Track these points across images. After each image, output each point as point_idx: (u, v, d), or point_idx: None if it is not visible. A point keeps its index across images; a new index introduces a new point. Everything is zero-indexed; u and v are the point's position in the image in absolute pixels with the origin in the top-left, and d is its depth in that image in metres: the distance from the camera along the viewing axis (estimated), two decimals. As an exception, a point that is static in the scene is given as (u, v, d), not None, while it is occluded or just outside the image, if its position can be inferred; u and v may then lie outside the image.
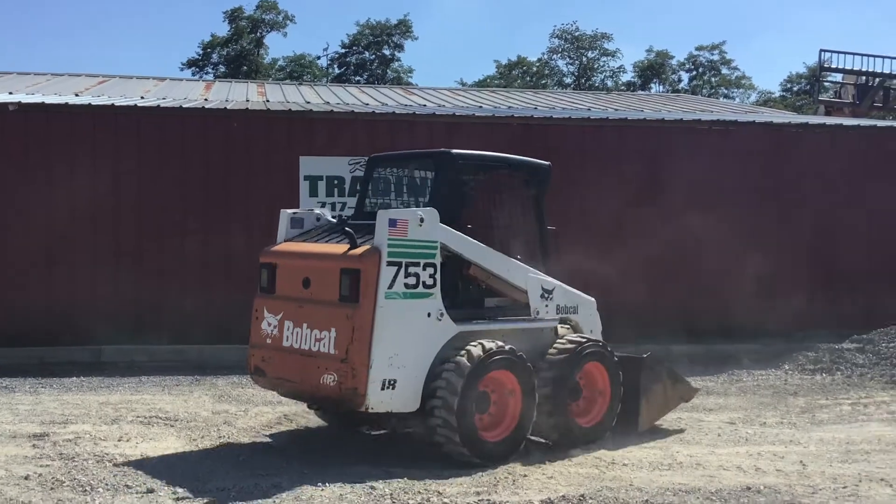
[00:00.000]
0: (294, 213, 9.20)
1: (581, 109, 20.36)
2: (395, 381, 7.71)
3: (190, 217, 14.57)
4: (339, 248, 8.11)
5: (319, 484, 7.11)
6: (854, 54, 28.95)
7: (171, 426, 9.46)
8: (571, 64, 64.94)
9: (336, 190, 14.91)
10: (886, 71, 28.47)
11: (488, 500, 6.84)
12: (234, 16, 60.11)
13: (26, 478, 7.22)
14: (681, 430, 9.64)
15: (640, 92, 51.57)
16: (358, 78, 59.84)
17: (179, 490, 6.97)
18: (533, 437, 8.67)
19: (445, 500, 6.81)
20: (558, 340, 8.83)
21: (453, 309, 8.20)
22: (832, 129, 17.69)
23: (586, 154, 15.50)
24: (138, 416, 9.87)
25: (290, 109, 15.92)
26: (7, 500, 6.65)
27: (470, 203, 8.91)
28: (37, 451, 8.19)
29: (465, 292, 8.69)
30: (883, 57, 28.62)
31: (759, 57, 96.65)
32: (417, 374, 7.86)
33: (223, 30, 61.09)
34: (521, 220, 9.23)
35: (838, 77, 31.18)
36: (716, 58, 65.21)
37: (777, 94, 63.77)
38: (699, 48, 65.32)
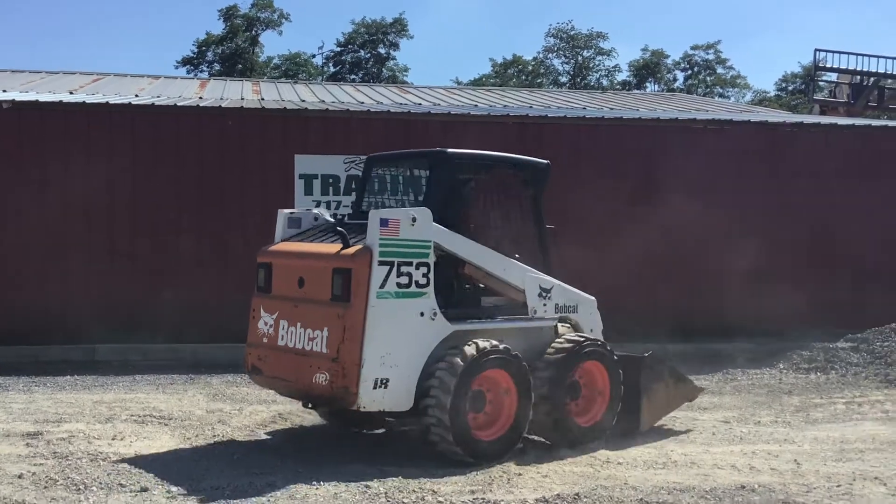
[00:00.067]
0: (291, 212, 9.21)
1: (576, 108, 20.36)
2: (387, 380, 7.71)
3: (184, 215, 14.55)
4: (332, 247, 8.14)
5: (314, 483, 7.10)
6: (849, 54, 29.02)
7: (166, 425, 9.45)
8: (567, 63, 65.02)
9: (331, 188, 14.89)
10: (881, 70, 28.52)
11: (483, 498, 6.84)
12: (229, 14, 60.02)
13: (20, 476, 7.20)
14: (676, 430, 9.64)
15: (635, 91, 51.60)
16: (353, 76, 59.79)
17: (173, 489, 6.96)
18: (533, 437, 8.68)
19: (440, 498, 6.81)
20: (557, 340, 8.81)
21: (448, 308, 8.20)
22: (827, 128, 17.73)
23: (581, 153, 15.51)
24: (132, 415, 9.85)
25: (285, 108, 15.91)
26: (0, 498, 6.64)
27: (466, 202, 8.90)
28: (30, 449, 8.17)
29: (461, 291, 8.68)
30: (878, 56, 28.69)
31: (754, 56, 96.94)
32: (410, 373, 7.86)
33: (218, 28, 61.05)
34: (519, 219, 9.21)
35: (833, 77, 31.26)
36: (711, 57, 65.34)
37: (772, 94, 63.91)
38: (694, 47, 65.51)
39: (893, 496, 7.06)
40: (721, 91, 64.10)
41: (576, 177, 14.95)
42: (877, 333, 14.60)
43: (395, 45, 62.90)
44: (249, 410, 10.30)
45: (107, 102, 15.20)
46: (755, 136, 16.67)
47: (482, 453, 7.90)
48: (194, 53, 60.30)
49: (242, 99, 18.73)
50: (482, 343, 8.00)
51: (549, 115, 16.64)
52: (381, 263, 7.75)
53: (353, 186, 14.77)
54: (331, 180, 14.90)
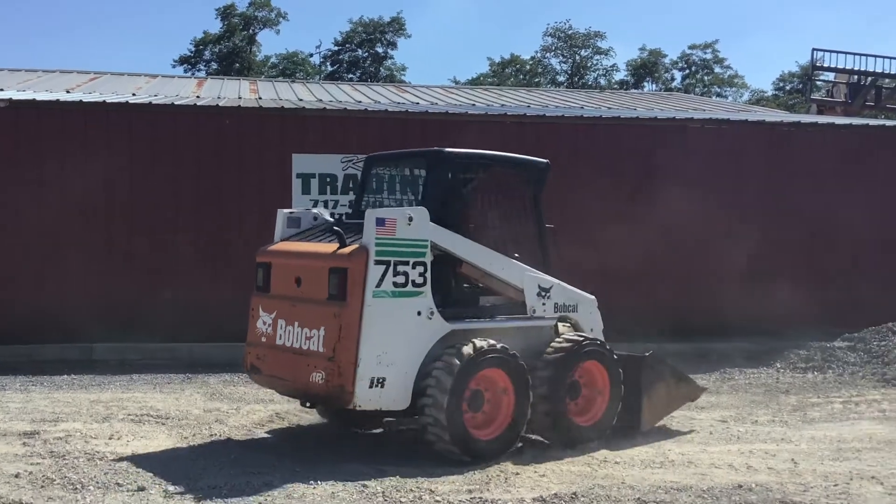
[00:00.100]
0: (291, 212, 9.21)
1: (574, 108, 20.37)
2: (383, 379, 7.72)
3: (181, 215, 14.54)
4: (329, 247, 8.15)
5: (311, 482, 7.09)
6: (846, 53, 29.08)
7: (163, 424, 9.43)
8: (565, 62, 65.07)
9: (329, 188, 14.88)
10: (878, 70, 28.57)
11: (480, 497, 6.83)
12: (226, 13, 59.98)
13: (17, 476, 7.19)
14: (673, 429, 9.64)
15: (633, 90, 51.61)
16: (351, 76, 59.76)
17: (171, 488, 6.95)
18: (533, 436, 8.67)
19: (437, 498, 6.81)
20: (556, 339, 8.80)
21: (446, 307, 8.20)
22: (824, 128, 17.74)
23: (579, 152, 15.50)
24: (129, 414, 9.84)
25: (282, 107, 15.89)
26: (-3, 498, 6.63)
27: (464, 202, 8.91)
28: (27, 449, 8.16)
29: (458, 291, 8.68)
30: (875, 56, 28.75)
31: (751, 56, 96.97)
32: (407, 372, 7.87)
33: (215, 27, 61.09)
34: (518, 218, 9.20)
35: (831, 76, 31.32)
36: (709, 56, 65.44)
37: (770, 93, 64.00)
38: (692, 47, 65.62)
39: (890, 495, 7.06)
40: (719, 91, 64.20)
41: (573, 176, 14.94)
42: (874, 333, 14.63)
43: (393, 45, 63.00)
44: (247, 410, 10.30)
45: (104, 101, 15.18)
46: (753, 136, 16.68)
47: (479, 452, 7.89)
48: (191, 52, 60.34)
49: (240, 98, 18.72)
50: (479, 342, 8.00)
51: (547, 115, 16.63)
52: (378, 263, 7.75)
53: (351, 186, 14.78)
54: (328, 179, 14.89)
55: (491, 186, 9.19)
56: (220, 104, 15.85)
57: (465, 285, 8.76)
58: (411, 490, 6.97)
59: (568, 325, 9.23)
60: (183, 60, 59.97)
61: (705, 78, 65.42)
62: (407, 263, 7.89)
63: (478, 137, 13.92)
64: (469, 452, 7.84)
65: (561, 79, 63.88)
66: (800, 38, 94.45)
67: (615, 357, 8.99)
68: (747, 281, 15.41)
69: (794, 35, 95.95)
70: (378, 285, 7.74)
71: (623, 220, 15.05)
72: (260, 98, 19.22)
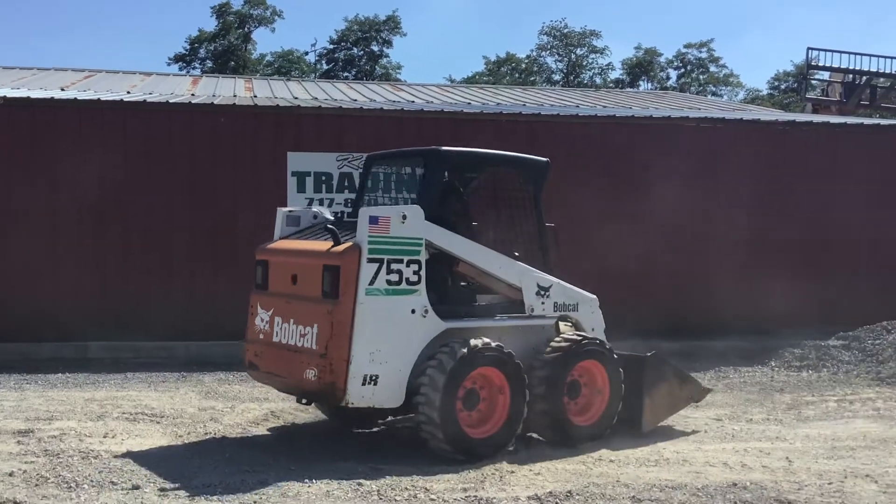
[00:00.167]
0: (290, 210, 9.23)
1: (570, 106, 20.38)
2: (376, 376, 7.73)
3: (176, 213, 14.51)
4: (324, 245, 8.17)
5: (306, 480, 7.09)
6: (841, 52, 29.15)
7: (157, 423, 9.42)
8: (560, 61, 65.05)
9: (324, 186, 14.87)
10: (873, 69, 28.64)
11: (475, 496, 6.83)
12: (221, 11, 59.86)
13: (11, 474, 7.17)
14: (668, 427, 9.63)
15: (628, 89, 51.60)
16: (346, 74, 59.71)
17: (165, 486, 6.93)
18: (534, 436, 8.66)
19: (433, 496, 6.81)
20: (555, 339, 8.77)
21: (442, 306, 8.20)
22: (819, 127, 17.77)
23: (574, 151, 15.50)
24: (124, 413, 9.82)
25: (277, 105, 15.87)
26: (-9, 496, 6.62)
27: (461, 200, 8.91)
28: (21, 447, 8.14)
29: (455, 289, 8.68)
30: (870, 55, 28.82)
31: (747, 55, 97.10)
32: (401, 370, 7.87)
33: (210, 25, 60.90)
34: (517, 217, 9.19)
35: (826, 75, 31.35)
36: (704, 55, 65.46)
37: (765, 92, 64.09)
38: (687, 46, 65.63)
39: (884, 493, 7.08)
40: (714, 89, 64.22)
41: (568, 175, 14.94)
42: (868, 331, 14.65)
43: (389, 43, 62.91)
44: (242, 408, 10.29)
45: (98, 99, 15.15)
46: (748, 135, 16.70)
47: (474, 451, 7.89)
48: (186, 50, 60.18)
49: (235, 96, 18.70)
50: (473, 341, 7.99)
51: (543, 114, 16.64)
52: (371, 261, 7.76)
53: (347, 184, 14.80)
54: (323, 178, 14.88)
55: (489, 185, 9.19)
56: (215, 102, 15.82)
57: (462, 284, 8.75)
58: (406, 488, 6.97)
59: (570, 324, 9.21)
60: (178, 58, 59.89)
61: (701, 77, 65.46)
62: (401, 261, 7.90)
63: (473, 136, 13.95)
64: (463, 451, 7.84)
65: (556, 77, 63.93)
66: (795, 37, 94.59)
67: (615, 357, 8.96)
68: (742, 279, 15.43)
69: (790, 34, 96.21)
70: (371, 283, 7.75)
71: (618, 219, 15.07)
72: (255, 96, 19.19)
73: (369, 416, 8.86)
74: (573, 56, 64.41)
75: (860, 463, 8.07)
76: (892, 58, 28.90)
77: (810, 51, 29.74)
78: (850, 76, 28.87)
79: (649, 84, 63.70)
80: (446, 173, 8.78)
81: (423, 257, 8.03)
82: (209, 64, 58.58)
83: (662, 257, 15.43)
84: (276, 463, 7.70)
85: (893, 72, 28.81)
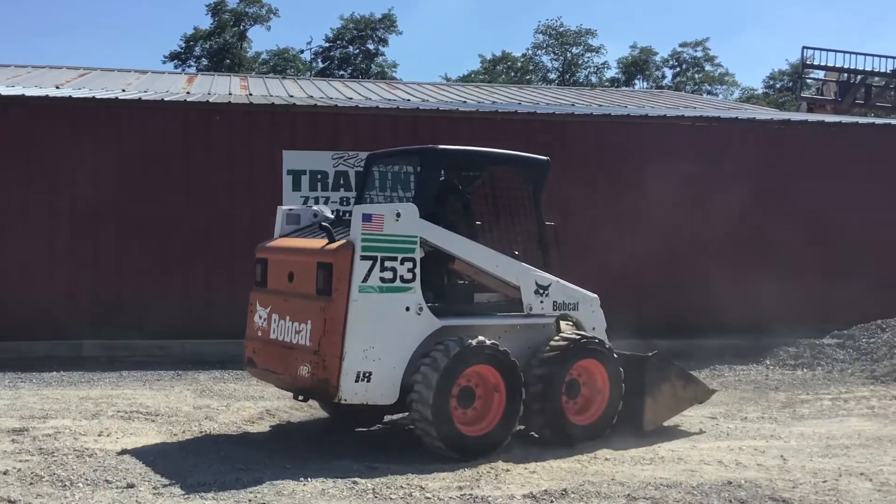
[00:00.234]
0: (290, 209, 9.24)
1: (565, 105, 20.38)
2: (370, 373, 7.74)
3: (171, 211, 14.48)
4: (320, 242, 8.20)
5: (301, 478, 7.08)
6: (836, 52, 29.22)
7: (152, 421, 9.41)
8: (556, 60, 65.06)
9: (319, 184, 14.86)
10: (868, 68, 28.71)
11: (470, 494, 6.83)
12: (217, 9, 59.75)
13: (5, 473, 7.15)
14: (663, 426, 9.63)
15: (623, 88, 51.66)
16: (342, 72, 59.64)
17: (160, 485, 6.92)
18: (535, 435, 8.66)
19: (428, 494, 6.80)
20: (554, 338, 8.75)
21: (438, 304, 8.21)
22: (814, 125, 17.79)
23: (569, 149, 15.51)
24: (119, 411, 9.81)
25: (273, 103, 15.85)
26: (-15, 495, 6.60)
27: (458, 198, 8.91)
28: (16, 445, 8.12)
29: (451, 287, 8.67)
30: (865, 54, 28.90)
31: (742, 54, 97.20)
32: (395, 367, 7.88)
33: (206, 23, 60.78)
34: (516, 215, 9.18)
35: (821, 74, 31.43)
36: (699, 54, 65.55)
37: (760, 92, 64.16)
38: (683, 45, 65.71)
39: (879, 491, 7.09)
40: (709, 89, 64.29)
41: (564, 173, 14.93)
42: (863, 330, 14.69)
43: (384, 41, 62.85)
44: (237, 406, 10.28)
45: (93, 97, 15.10)
46: (743, 134, 16.72)
47: (468, 449, 7.88)
48: (182, 48, 60.06)
49: (230, 94, 18.67)
50: (468, 339, 7.99)
51: (538, 112, 16.63)
52: (364, 258, 7.78)
53: (342, 182, 14.80)
54: (319, 176, 14.87)
55: (488, 184, 9.18)
56: (211, 100, 15.80)
57: (459, 282, 8.75)
58: (401, 487, 6.96)
59: (570, 323, 9.18)
60: (173, 56, 59.77)
61: (696, 76, 65.53)
62: (395, 259, 7.91)
63: (469, 134, 13.94)
64: (457, 448, 7.83)
65: (552, 76, 63.91)
66: (790, 36, 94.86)
67: (615, 356, 8.93)
68: (737, 278, 15.44)
69: (785, 33, 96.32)
70: (364, 280, 7.76)
71: (613, 218, 15.08)
72: (250, 94, 19.16)
73: (369, 413, 8.85)
74: (569, 55, 64.44)
75: (855, 461, 8.09)
76: (886, 57, 29.03)
77: (805, 50, 29.82)
78: (845, 75, 28.94)
79: (645, 83, 63.77)
80: (443, 172, 8.79)
81: (417, 255, 8.03)
82: (204, 62, 58.48)
83: (657, 255, 15.42)
84: (271, 461, 7.70)
85: (888, 71, 28.89)
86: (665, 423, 9.69)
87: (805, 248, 16.21)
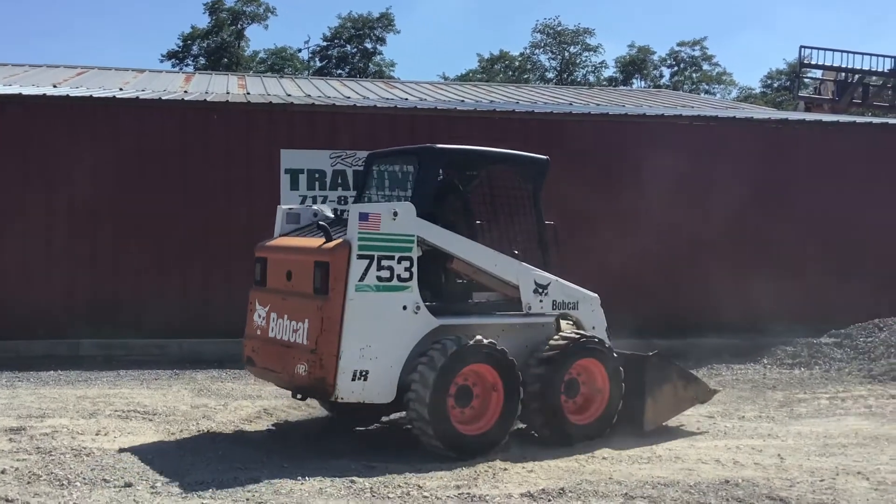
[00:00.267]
0: (290, 208, 9.25)
1: (563, 104, 20.39)
2: (366, 372, 7.75)
3: (168, 210, 14.46)
4: (317, 241, 8.20)
5: (299, 477, 7.08)
6: (834, 51, 29.26)
7: (150, 420, 9.40)
8: (554, 59, 65.07)
9: (317, 183, 14.85)
10: (866, 68, 28.76)
11: (468, 493, 6.84)
12: (214, 8, 59.70)
13: (2, 472, 7.14)
14: (661, 424, 9.64)
15: (621, 87, 51.74)
16: (340, 71, 59.61)
17: (158, 484, 6.92)
18: (534, 434, 8.66)
19: (425, 493, 6.80)
20: (553, 337, 8.74)
21: (435, 303, 8.21)
22: (811, 125, 17.80)
23: (567, 149, 15.50)
24: (116, 410, 9.80)
25: (270, 102, 15.85)
26: (-17, 494, 6.59)
27: (456, 198, 8.90)
28: (13, 444, 8.12)
29: (449, 286, 8.67)
30: (862, 54, 28.96)
31: (740, 53, 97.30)
32: (392, 365, 7.89)
33: (203, 21, 60.75)
34: (516, 215, 9.17)
35: (818, 74, 31.45)
36: (697, 54, 65.63)
37: (757, 91, 64.26)
38: (681, 44, 65.77)
39: (876, 490, 7.10)
40: (707, 88, 64.34)
41: (561, 172, 14.91)
42: (860, 329, 14.69)
43: (382, 40, 62.81)
44: (234, 406, 10.27)
45: (90, 96, 15.09)
46: (741, 133, 16.72)
47: (465, 448, 7.88)
48: (179, 47, 60.03)
49: (228, 93, 18.67)
50: (465, 338, 7.99)
51: (536, 111, 16.63)
52: (361, 257, 7.79)
53: (340, 181, 14.80)
54: (317, 175, 14.86)
55: (486, 183, 9.18)
56: (208, 99, 15.80)
57: (457, 281, 8.74)
58: (399, 486, 6.96)
59: (571, 322, 9.17)
60: (171, 55, 59.73)
61: (694, 75, 65.57)
62: (392, 258, 7.92)
63: (466, 133, 13.93)
64: (454, 447, 7.83)
65: (550, 75, 63.91)
66: (788, 35, 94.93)
67: (615, 355, 8.92)
68: (735, 277, 15.44)
69: (783, 33, 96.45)
70: (361, 279, 7.77)
71: (611, 217, 15.08)
72: (248, 93, 19.17)
73: (367, 412, 8.84)
74: (567, 54, 64.45)
75: (852, 460, 8.10)
76: (884, 56, 29.07)
77: (803, 49, 29.86)
78: (843, 75, 28.98)
79: (642, 82, 63.80)
80: (441, 171, 8.79)
81: (414, 254, 8.04)
82: (202, 61, 58.45)
83: (655, 254, 15.43)
84: (268, 460, 7.70)
85: (885, 70, 28.92)
86: (663, 423, 9.70)
87: (803, 248, 16.23)
